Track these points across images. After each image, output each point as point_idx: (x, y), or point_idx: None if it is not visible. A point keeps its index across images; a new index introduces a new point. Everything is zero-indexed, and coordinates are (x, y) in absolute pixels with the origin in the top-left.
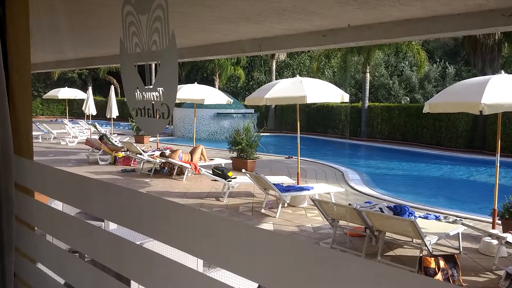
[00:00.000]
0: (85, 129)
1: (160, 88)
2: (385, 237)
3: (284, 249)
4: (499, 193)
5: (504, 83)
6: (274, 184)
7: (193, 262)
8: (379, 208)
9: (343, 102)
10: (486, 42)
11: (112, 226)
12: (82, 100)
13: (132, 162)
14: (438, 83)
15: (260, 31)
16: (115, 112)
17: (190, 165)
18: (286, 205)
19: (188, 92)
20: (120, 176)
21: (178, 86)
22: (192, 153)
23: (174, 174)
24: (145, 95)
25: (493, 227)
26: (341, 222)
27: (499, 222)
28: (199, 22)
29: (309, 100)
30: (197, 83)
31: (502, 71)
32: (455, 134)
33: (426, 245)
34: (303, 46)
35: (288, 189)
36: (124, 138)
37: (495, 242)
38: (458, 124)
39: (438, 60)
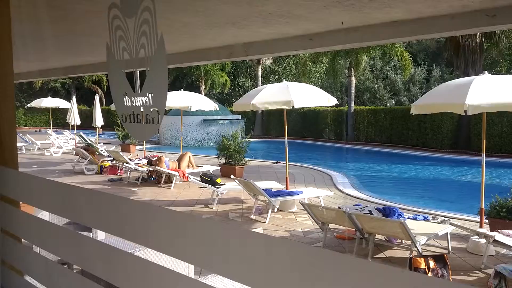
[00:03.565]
0: (70, 139)
1: (150, 93)
2: (375, 239)
3: (277, 251)
4: (486, 192)
5: (487, 83)
6: (263, 189)
7: (184, 269)
8: (368, 210)
9: (330, 106)
10: (468, 44)
11: (101, 235)
12: (66, 110)
13: (118, 171)
14: (423, 85)
15: (246, 36)
16: (100, 121)
17: (178, 172)
18: (276, 210)
19: (175, 99)
20: (107, 186)
21: None
22: (179, 160)
23: (162, 182)
24: (134, 101)
25: (481, 226)
26: (331, 226)
27: (486, 221)
28: (184, 28)
29: (296, 105)
30: (183, 89)
31: (486, 72)
32: (440, 135)
33: (415, 246)
34: (290, 50)
35: (278, 194)
36: (110, 147)
37: (483, 241)
38: (442, 125)
39: (422, 62)
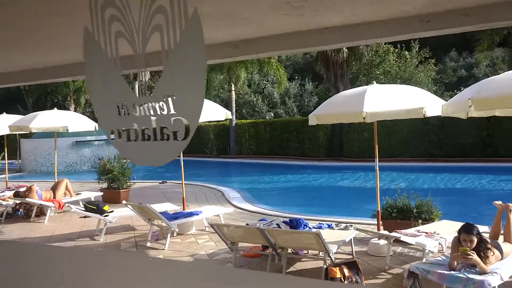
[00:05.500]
0: None
1: (170, 97)
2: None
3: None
4: (362, 195)
5: (378, 92)
6: (160, 212)
7: None
8: (276, 224)
9: (212, 121)
10: (336, 58)
11: None
12: None
13: None
14: (297, 99)
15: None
16: None
17: (54, 203)
18: (175, 234)
19: (47, 119)
20: None
21: (32, 114)
22: (54, 189)
23: (33, 215)
24: (136, 109)
25: (378, 228)
26: (239, 244)
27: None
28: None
29: None
30: (48, 110)
31: (374, 81)
32: (317, 144)
33: (329, 256)
34: (214, 59)
35: (176, 216)
36: None
37: (382, 242)
38: (318, 135)
39: (296, 77)
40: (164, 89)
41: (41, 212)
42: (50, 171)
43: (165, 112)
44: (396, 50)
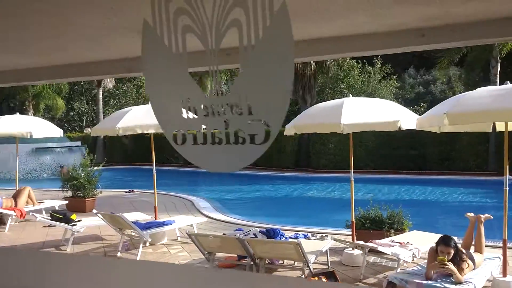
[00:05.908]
0: None
1: (248, 97)
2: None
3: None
4: (328, 205)
5: (355, 105)
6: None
7: None
8: (253, 234)
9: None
10: (305, 71)
11: None
12: None
13: None
14: None
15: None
16: None
17: (15, 211)
18: (147, 244)
19: (9, 124)
20: None
21: None
22: (16, 197)
23: None
24: (206, 110)
25: (353, 239)
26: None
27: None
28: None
29: None
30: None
31: (350, 94)
32: (285, 155)
33: (308, 266)
34: (199, 66)
35: (149, 226)
36: None
37: (356, 252)
38: (286, 146)
39: None
40: (242, 88)
41: (1, 220)
42: (7, 178)
43: (241, 114)
44: (359, 65)
